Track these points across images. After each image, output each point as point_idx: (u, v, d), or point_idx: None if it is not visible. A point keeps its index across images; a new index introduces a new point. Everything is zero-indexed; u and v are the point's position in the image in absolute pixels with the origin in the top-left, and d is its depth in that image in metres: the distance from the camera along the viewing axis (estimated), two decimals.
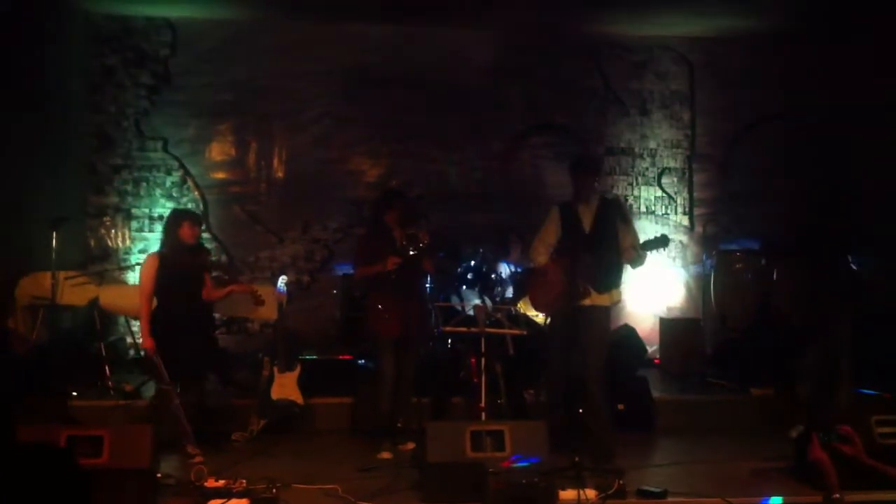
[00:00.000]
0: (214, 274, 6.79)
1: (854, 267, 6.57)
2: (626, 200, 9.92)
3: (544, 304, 6.32)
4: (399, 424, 6.58)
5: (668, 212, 10.03)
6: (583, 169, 6.24)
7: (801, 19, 9.10)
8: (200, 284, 6.39)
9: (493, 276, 7.97)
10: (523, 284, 7.42)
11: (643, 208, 10.00)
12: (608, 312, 6.22)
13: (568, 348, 6.36)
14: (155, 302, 6.18)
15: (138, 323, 8.65)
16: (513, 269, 8.06)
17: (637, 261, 6.13)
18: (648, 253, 6.07)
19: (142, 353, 7.15)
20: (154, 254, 6.31)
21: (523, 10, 8.90)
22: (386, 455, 6.31)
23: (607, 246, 6.03)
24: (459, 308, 7.00)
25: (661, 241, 5.97)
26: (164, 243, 6.34)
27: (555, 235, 6.25)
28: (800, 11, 8.83)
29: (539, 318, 7.27)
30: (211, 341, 6.68)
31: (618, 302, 6.34)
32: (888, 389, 7.33)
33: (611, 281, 6.13)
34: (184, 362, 6.11)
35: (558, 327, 6.20)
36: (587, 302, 6.01)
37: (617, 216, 6.24)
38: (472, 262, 8.03)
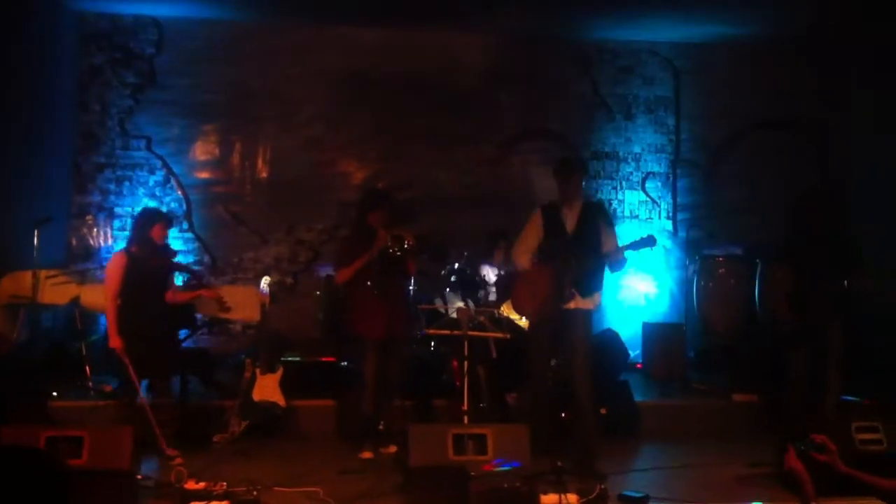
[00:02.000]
0: (184, 279, 6.75)
1: (847, 274, 6.52)
2: (610, 204, 9.94)
3: (528, 308, 6.25)
4: (381, 427, 6.57)
5: (652, 216, 10.06)
6: (567, 169, 6.18)
7: (787, 27, 9.14)
8: (166, 286, 6.35)
9: (476, 278, 7.96)
10: (507, 288, 7.40)
11: (627, 212, 10.02)
12: (591, 316, 6.18)
13: (550, 352, 6.36)
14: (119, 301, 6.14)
15: None
16: (497, 273, 8.04)
17: (618, 265, 6.09)
18: (633, 254, 6.03)
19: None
20: (122, 251, 6.24)
21: (514, 15, 8.91)
22: (367, 454, 6.30)
23: (591, 249, 5.97)
24: (443, 311, 6.99)
25: (649, 241, 5.88)
26: (132, 241, 6.29)
27: (537, 238, 6.18)
28: (786, 19, 8.87)
29: (522, 321, 7.25)
30: (175, 343, 6.64)
31: (599, 305, 6.28)
32: (869, 395, 7.36)
33: (594, 285, 6.08)
34: (149, 362, 6.07)
35: (541, 331, 6.18)
36: (571, 306, 5.97)
37: (600, 219, 6.21)
38: (457, 265, 8.02)
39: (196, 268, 8.71)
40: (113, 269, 6.13)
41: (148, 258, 6.16)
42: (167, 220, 6.41)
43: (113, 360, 6.21)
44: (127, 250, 6.22)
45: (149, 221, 6.27)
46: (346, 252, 6.60)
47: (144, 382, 6.24)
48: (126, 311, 6.08)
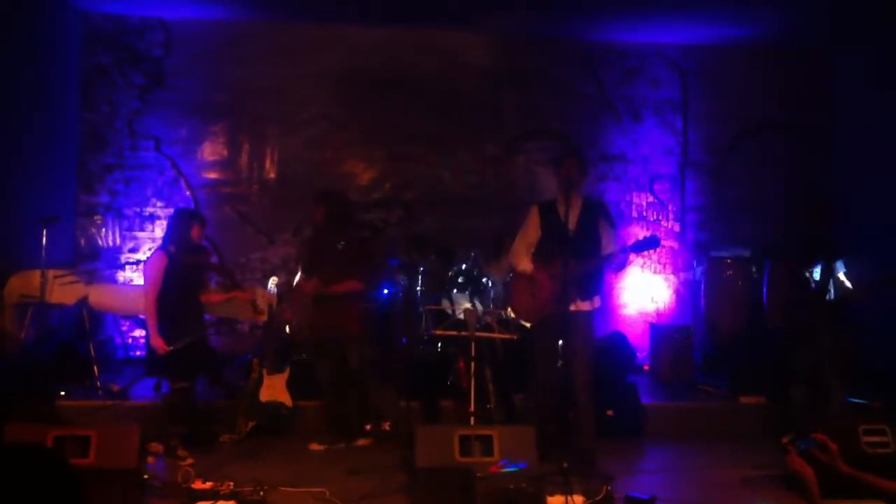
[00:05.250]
0: (217, 279, 6.82)
1: (838, 276, 6.50)
2: (619, 205, 9.92)
3: (529, 310, 6.13)
4: (387, 427, 6.61)
5: (660, 218, 10.04)
6: (568, 165, 6.02)
7: (794, 28, 9.13)
8: (201, 286, 6.39)
9: (484, 279, 7.96)
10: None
11: (635, 214, 10.00)
12: (592, 317, 6.07)
13: (554, 355, 6.29)
14: None
15: (127, 323, 8.73)
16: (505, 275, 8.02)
17: (621, 265, 6.01)
18: (633, 255, 5.95)
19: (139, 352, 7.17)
20: (162, 251, 6.28)
21: (519, 15, 8.91)
22: (316, 447, 6.50)
23: (591, 249, 5.87)
24: (450, 312, 6.99)
25: (652, 242, 5.82)
26: (171, 241, 6.32)
27: (535, 237, 6.06)
28: (794, 21, 8.85)
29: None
30: (205, 342, 6.70)
31: (598, 306, 6.15)
32: (877, 398, 7.35)
33: (594, 285, 5.99)
34: (181, 362, 6.12)
35: (544, 333, 6.08)
36: (571, 308, 5.81)
37: (601, 218, 6.08)
38: (464, 266, 8.02)
39: (230, 269, 8.74)
40: (154, 268, 6.18)
41: (186, 258, 6.20)
42: (202, 220, 6.52)
43: (155, 360, 6.29)
44: (166, 250, 6.25)
45: (188, 221, 6.35)
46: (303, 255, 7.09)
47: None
48: (166, 311, 6.13)
